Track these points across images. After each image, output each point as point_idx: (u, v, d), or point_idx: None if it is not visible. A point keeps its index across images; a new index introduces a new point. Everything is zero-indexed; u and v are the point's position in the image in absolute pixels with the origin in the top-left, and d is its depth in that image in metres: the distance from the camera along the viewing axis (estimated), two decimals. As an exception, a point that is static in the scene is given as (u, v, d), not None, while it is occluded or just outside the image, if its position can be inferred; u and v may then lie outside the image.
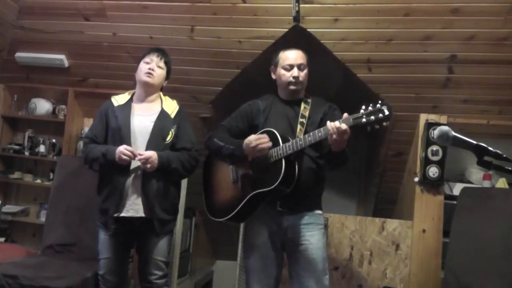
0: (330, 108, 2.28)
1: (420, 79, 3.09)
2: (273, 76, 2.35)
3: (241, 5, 2.97)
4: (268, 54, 3.15)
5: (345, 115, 1.93)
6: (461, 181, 3.31)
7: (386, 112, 1.79)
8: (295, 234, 2.19)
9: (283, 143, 2.09)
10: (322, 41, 3.01)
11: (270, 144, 2.10)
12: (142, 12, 3.13)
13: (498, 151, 1.41)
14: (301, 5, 2.87)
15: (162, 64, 2.55)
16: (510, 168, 1.46)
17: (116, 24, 3.26)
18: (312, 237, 2.19)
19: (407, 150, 3.46)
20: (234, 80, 3.34)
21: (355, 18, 2.91)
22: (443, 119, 3.19)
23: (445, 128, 1.43)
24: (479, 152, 1.42)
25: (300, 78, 2.25)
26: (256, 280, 2.23)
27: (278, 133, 2.13)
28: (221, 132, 2.34)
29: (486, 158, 1.42)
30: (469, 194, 2.84)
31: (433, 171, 3.09)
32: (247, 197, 2.16)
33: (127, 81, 3.40)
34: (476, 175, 3.27)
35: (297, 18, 2.93)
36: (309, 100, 2.30)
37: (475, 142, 1.43)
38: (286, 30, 3.02)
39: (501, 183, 3.17)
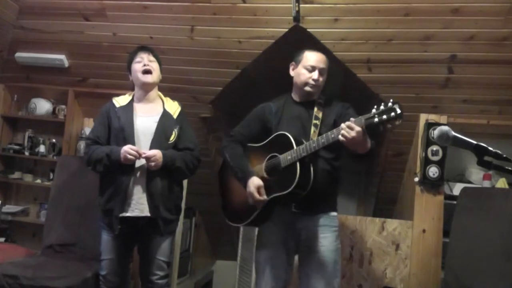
0: (343, 107, 2.25)
1: (420, 79, 3.09)
2: (291, 73, 2.31)
3: (241, 5, 2.97)
4: (268, 54, 3.17)
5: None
6: (461, 181, 3.31)
7: (398, 111, 1.76)
8: (309, 236, 2.19)
9: (296, 146, 2.08)
10: (322, 41, 3.01)
11: (263, 201, 2.12)
12: (142, 12, 3.13)
13: (498, 151, 1.41)
14: (301, 5, 2.87)
15: (152, 58, 2.56)
16: (510, 168, 1.46)
17: (116, 24, 3.26)
18: (325, 240, 2.18)
19: (407, 150, 3.45)
20: (234, 80, 3.34)
21: (355, 18, 2.91)
22: (443, 119, 3.19)
23: (445, 128, 1.43)
24: (479, 152, 1.42)
25: (320, 83, 2.23)
26: (265, 282, 2.22)
27: (292, 136, 2.12)
28: (234, 144, 2.34)
29: (486, 158, 1.42)
30: (469, 194, 2.84)
31: (433, 171, 3.09)
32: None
33: (127, 81, 3.38)
34: (476, 175, 3.27)
35: (297, 18, 2.93)
36: (322, 102, 2.28)
37: (475, 142, 1.42)
38: (286, 30, 3.02)
39: (501, 183, 3.17)
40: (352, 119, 1.88)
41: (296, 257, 2.31)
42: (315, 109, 2.24)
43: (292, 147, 2.08)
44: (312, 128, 2.18)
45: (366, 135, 1.89)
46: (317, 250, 2.17)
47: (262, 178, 2.19)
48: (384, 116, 1.79)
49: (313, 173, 2.09)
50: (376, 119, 1.81)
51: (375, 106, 1.83)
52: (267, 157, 2.21)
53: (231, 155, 2.30)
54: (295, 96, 2.32)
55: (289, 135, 2.13)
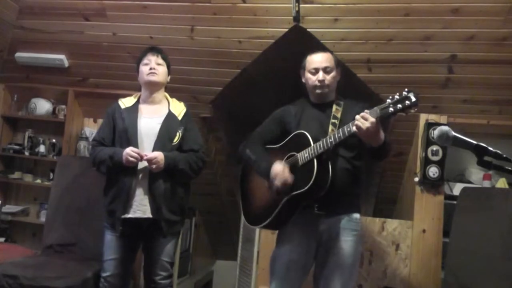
0: (362, 108, 2.23)
1: (420, 79, 3.09)
2: (303, 80, 2.32)
3: (241, 5, 2.97)
4: (268, 54, 3.17)
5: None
6: (461, 181, 3.31)
7: (413, 99, 1.75)
8: (330, 237, 2.16)
9: (314, 143, 2.07)
10: (322, 41, 3.01)
11: (290, 180, 2.07)
12: (142, 12, 3.13)
13: (498, 151, 1.41)
14: (301, 5, 2.87)
15: (160, 60, 2.56)
16: (510, 168, 1.46)
17: (116, 24, 3.26)
18: (345, 243, 2.15)
19: (407, 150, 3.46)
20: (234, 80, 3.34)
21: (355, 18, 2.91)
22: (443, 119, 3.19)
23: (445, 128, 1.43)
24: (479, 152, 1.42)
25: (326, 82, 2.21)
26: (278, 284, 2.20)
27: (310, 135, 2.11)
28: (254, 142, 2.33)
29: (486, 158, 1.42)
30: (469, 194, 2.85)
31: (433, 171, 3.09)
32: (282, 202, 2.13)
33: (127, 81, 3.40)
34: (476, 175, 3.27)
35: (297, 18, 2.93)
36: (341, 103, 2.27)
37: (475, 142, 1.42)
38: (286, 30, 3.02)
39: (501, 183, 3.17)
40: (367, 110, 1.88)
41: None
42: (334, 109, 2.23)
43: (310, 145, 2.07)
44: (330, 127, 2.16)
45: (380, 126, 1.89)
46: (336, 253, 2.15)
47: None
48: (399, 105, 1.78)
49: (333, 172, 2.06)
50: (391, 109, 1.80)
51: (390, 96, 1.83)
52: (286, 157, 2.19)
53: (253, 151, 2.29)
54: (312, 99, 2.32)
55: (306, 133, 2.12)
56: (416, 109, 1.79)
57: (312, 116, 2.26)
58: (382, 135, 1.94)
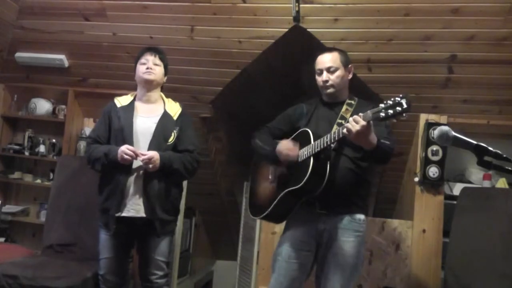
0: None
1: (420, 79, 3.09)
2: None
3: (241, 5, 2.97)
4: (268, 54, 3.17)
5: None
6: (461, 181, 3.31)
7: (405, 106, 1.76)
8: (331, 237, 2.17)
9: (314, 141, 2.09)
10: (322, 41, 3.01)
11: (296, 153, 2.14)
12: (142, 12, 3.13)
13: (498, 151, 1.41)
14: (301, 5, 2.88)
15: (158, 61, 2.56)
16: (510, 168, 1.46)
17: (116, 24, 3.26)
18: (346, 244, 2.15)
19: (407, 150, 3.45)
20: (234, 80, 3.34)
21: (355, 18, 2.91)
22: (443, 119, 3.19)
23: (445, 128, 1.43)
24: (479, 152, 1.42)
25: (330, 82, 2.22)
26: (279, 281, 2.20)
27: (313, 133, 2.12)
28: (263, 133, 2.38)
29: (486, 158, 1.42)
30: (469, 194, 2.85)
31: (433, 171, 3.09)
32: (279, 197, 2.16)
33: (127, 81, 3.39)
34: (476, 175, 3.27)
35: (297, 18, 2.93)
36: (353, 103, 2.27)
37: (475, 142, 1.43)
38: (286, 30, 3.02)
39: (501, 183, 3.17)
40: (360, 113, 1.89)
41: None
42: (343, 108, 2.24)
43: (310, 143, 2.09)
44: (335, 127, 2.16)
45: (371, 130, 1.90)
46: (337, 253, 2.15)
47: (282, 172, 2.21)
48: (390, 111, 1.79)
49: (335, 171, 2.08)
50: (382, 114, 1.81)
51: (385, 101, 1.83)
52: None
53: (260, 139, 2.34)
54: (324, 98, 2.34)
55: (309, 131, 2.14)
56: (406, 116, 1.79)
57: (322, 116, 2.28)
58: (373, 139, 1.96)
